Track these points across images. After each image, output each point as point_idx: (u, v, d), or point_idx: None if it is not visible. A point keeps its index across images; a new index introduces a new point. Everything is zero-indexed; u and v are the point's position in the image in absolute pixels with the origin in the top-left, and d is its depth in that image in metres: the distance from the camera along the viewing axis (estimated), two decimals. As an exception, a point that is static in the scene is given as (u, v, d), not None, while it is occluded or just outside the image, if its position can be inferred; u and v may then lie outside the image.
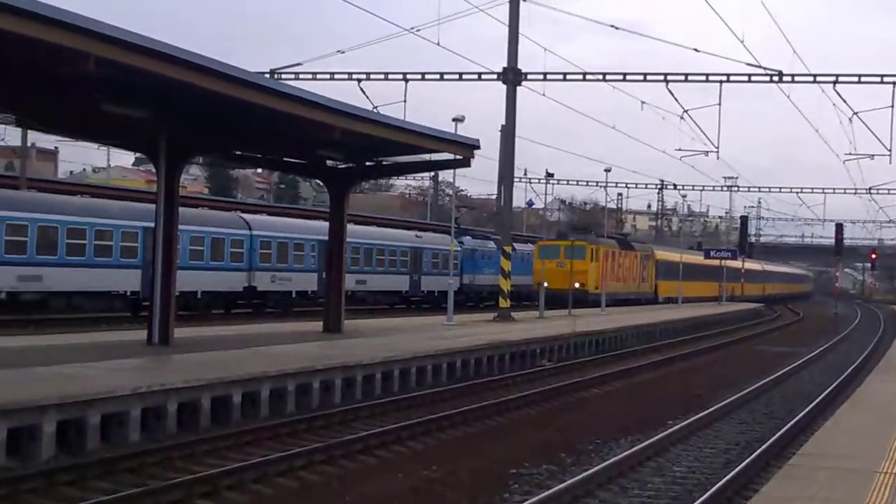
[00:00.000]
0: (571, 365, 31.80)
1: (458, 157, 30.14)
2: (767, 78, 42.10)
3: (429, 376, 25.60)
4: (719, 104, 43.80)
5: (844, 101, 43.01)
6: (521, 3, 41.75)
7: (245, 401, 19.15)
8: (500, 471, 15.63)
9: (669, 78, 42.73)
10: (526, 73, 42.37)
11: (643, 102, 48.19)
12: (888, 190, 77.07)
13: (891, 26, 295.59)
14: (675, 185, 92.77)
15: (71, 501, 12.86)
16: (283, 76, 42.37)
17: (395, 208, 73.88)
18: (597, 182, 79.70)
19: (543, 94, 44.25)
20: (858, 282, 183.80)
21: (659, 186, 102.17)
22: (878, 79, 41.89)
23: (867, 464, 13.19)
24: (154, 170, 25.15)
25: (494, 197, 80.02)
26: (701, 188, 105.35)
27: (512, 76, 41.67)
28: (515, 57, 41.79)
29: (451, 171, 39.80)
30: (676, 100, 44.50)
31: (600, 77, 44.07)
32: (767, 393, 27.22)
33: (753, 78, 42.37)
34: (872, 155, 47.29)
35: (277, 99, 21.18)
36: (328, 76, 43.46)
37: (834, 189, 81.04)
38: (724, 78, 42.62)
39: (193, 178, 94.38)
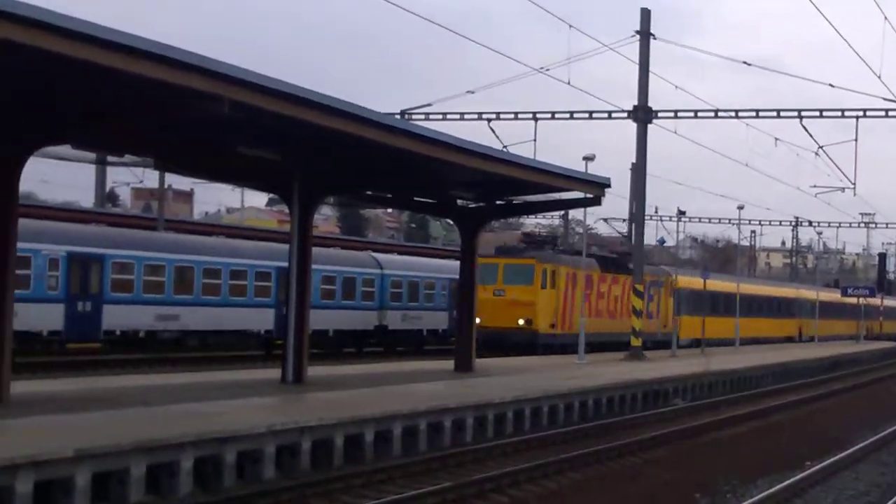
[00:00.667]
0: (705, 404, 31.35)
1: (588, 195, 30.00)
2: (906, 112, 41.20)
3: (560, 415, 25.46)
4: (856, 140, 42.98)
5: None
6: (652, 41, 41.59)
7: (378, 439, 19.24)
8: (635, 511, 15.44)
9: (804, 114, 42.06)
10: (657, 111, 42.13)
11: (777, 139, 47.44)
12: None
13: None
14: (810, 222, 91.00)
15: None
16: (414, 117, 42.69)
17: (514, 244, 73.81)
18: (729, 219, 78.73)
19: (675, 132, 43.94)
20: None
21: (793, 223, 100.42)
22: None
23: None
24: (287, 210, 25.48)
25: (625, 235, 79.51)
26: (837, 225, 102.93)
27: (642, 114, 41.48)
28: (646, 95, 41.59)
29: (582, 209, 39.61)
30: (811, 136, 43.84)
31: (733, 114, 43.54)
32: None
33: (891, 113, 41.50)
34: None
35: (410, 140, 21.34)
36: (458, 116, 43.61)
37: (980, 223, 78.53)
38: (861, 113, 41.81)
39: (325, 217, 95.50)
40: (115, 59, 14.78)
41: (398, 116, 40.43)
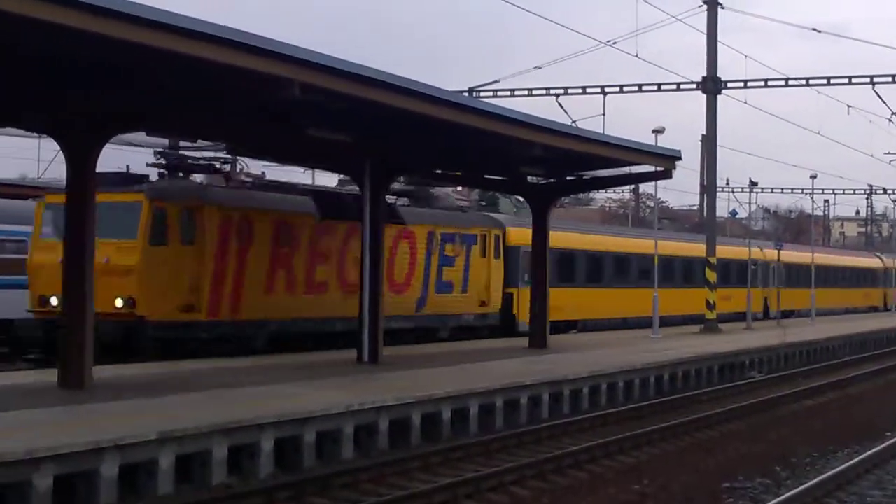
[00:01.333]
0: (781, 376, 31.16)
1: (659, 168, 29.87)
2: (980, 73, 40.55)
3: (636, 390, 25.43)
4: (930, 104, 42.41)
5: None
6: (720, 11, 41.24)
7: (454, 417, 19.34)
8: (713, 485, 15.40)
9: (876, 80, 41.52)
10: (726, 82, 41.78)
11: (849, 106, 46.96)
12: None
13: None
14: (884, 190, 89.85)
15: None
16: (482, 94, 42.68)
17: (596, 222, 73.55)
18: (802, 189, 77.97)
19: (745, 102, 43.53)
20: None
21: (867, 192, 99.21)
22: None
23: None
24: (358, 190, 25.60)
25: (696, 207, 78.95)
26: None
27: (711, 85, 41.15)
28: (715, 65, 41.26)
29: (653, 182, 39.37)
30: (884, 102, 43.28)
31: (803, 82, 43.09)
32: None
33: (964, 76, 40.85)
34: None
35: (476, 117, 21.35)
36: (526, 92, 43.53)
37: None
38: (935, 76, 41.22)
39: (394, 197, 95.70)
40: (188, 46, 14.94)
41: (466, 94, 40.44)
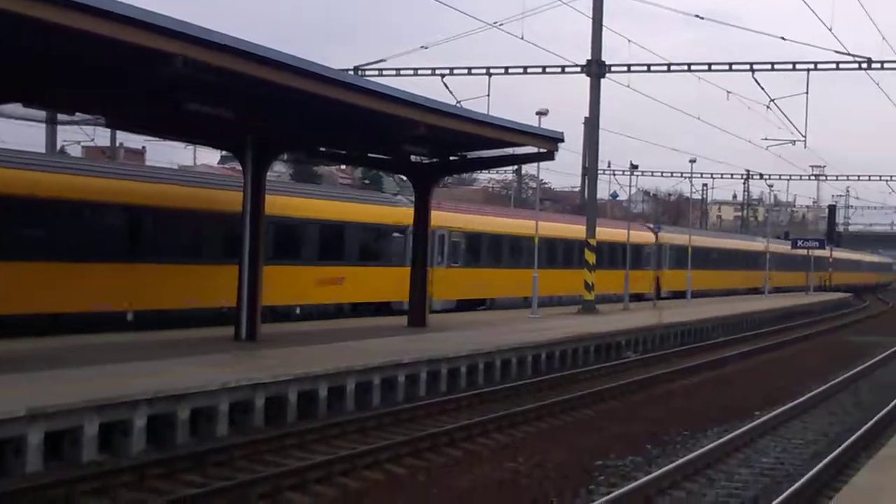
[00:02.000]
0: (657, 357, 31.68)
1: (542, 150, 30.09)
2: (856, 65, 41.48)
3: (513, 369, 25.66)
4: (807, 93, 43.30)
5: (935, 87, 42.18)
6: (605, -5, 41.59)
7: (331, 395, 19.35)
8: (586, 462, 15.63)
9: (755, 67, 42.29)
10: (610, 66, 42.22)
11: (729, 92, 47.78)
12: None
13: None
14: (761, 175, 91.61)
15: (161, 494, 13.04)
16: (367, 73, 42.58)
17: (478, 202, 73.88)
18: (681, 173, 79.05)
19: (628, 86, 44.09)
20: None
21: (745, 176, 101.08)
22: (971, 64, 41.13)
23: (958, 454, 13.02)
24: (240, 167, 25.42)
25: (578, 189, 79.77)
26: (788, 178, 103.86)
27: (596, 68, 41.55)
28: (599, 49, 41.66)
29: (535, 164, 39.72)
30: (763, 89, 44.44)
31: (685, 67, 43.67)
32: (856, 383, 26.90)
33: (842, 65, 41.74)
34: (964, 140, 46.43)
35: (363, 96, 21.33)
36: (412, 72, 43.54)
37: (926, 176, 79.39)
38: (812, 66, 42.07)
39: (277, 174, 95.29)
40: (65, 17, 14.68)
41: (351, 73, 40.31)
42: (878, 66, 41.47)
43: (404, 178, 39.76)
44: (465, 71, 43.69)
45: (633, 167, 57.82)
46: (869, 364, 30.90)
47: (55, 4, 14.47)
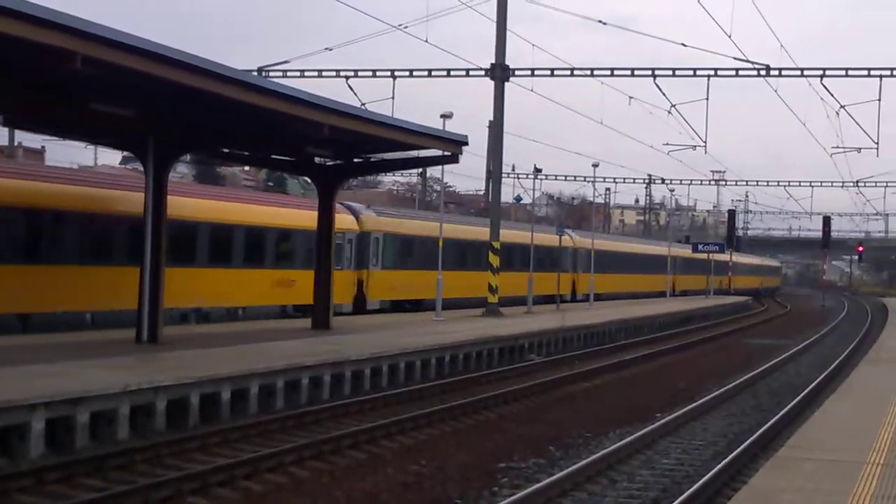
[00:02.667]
0: (560, 359, 31.88)
1: (446, 153, 30.16)
2: (755, 72, 42.10)
3: (417, 372, 25.68)
4: (707, 99, 43.79)
5: (832, 95, 42.85)
6: (509, 0, 41.80)
7: (234, 398, 19.20)
8: (489, 465, 15.70)
9: (657, 73, 42.75)
10: (514, 70, 42.38)
11: (631, 98, 48.16)
12: (875, 183, 77.09)
13: (878, 19, 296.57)
14: (662, 180, 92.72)
15: (60, 499, 12.86)
16: (272, 74, 42.34)
17: (383, 204, 73.80)
18: (584, 177, 79.78)
19: (531, 90, 44.32)
20: (846, 274, 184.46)
21: (647, 181, 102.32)
22: (865, 72, 41.94)
23: (854, 455, 13.26)
24: (142, 168, 25.13)
25: (483, 193, 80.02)
26: (689, 182, 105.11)
27: (500, 72, 41.70)
28: (503, 53, 41.80)
29: (440, 167, 39.77)
30: (664, 94, 44.50)
31: (588, 72, 44.03)
32: (755, 385, 27.33)
33: (741, 72, 42.31)
34: (859, 148, 47.39)
35: (264, 96, 21.21)
36: (316, 73, 43.43)
37: (821, 182, 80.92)
38: (712, 72, 42.60)
39: (180, 175, 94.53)
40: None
41: (256, 73, 40.06)
42: (777, 73, 42.15)
43: (308, 179, 39.57)
44: (370, 73, 43.69)
45: (537, 171, 58.14)
46: (767, 366, 31.41)
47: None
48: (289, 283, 35.12)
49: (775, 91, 44.69)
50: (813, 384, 26.32)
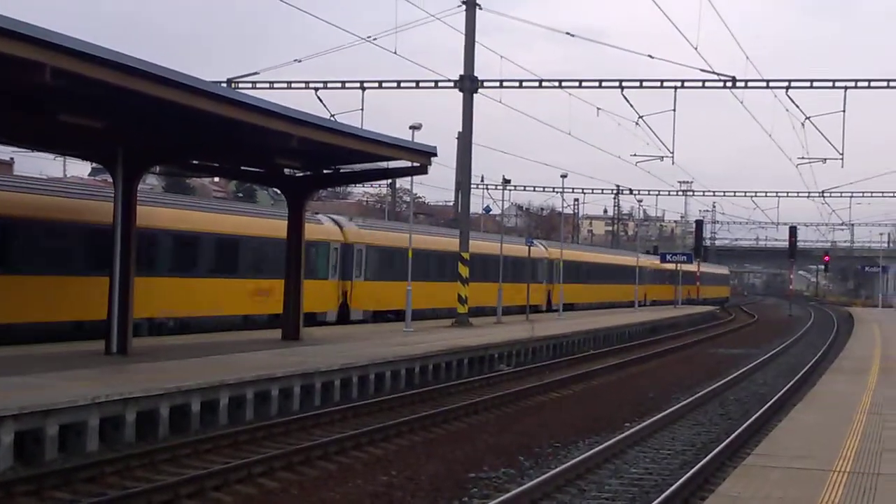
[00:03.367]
0: (529, 369, 31.97)
1: (415, 164, 30.19)
2: (721, 84, 42.34)
3: (387, 382, 25.71)
4: (674, 110, 43.89)
5: (797, 106, 43.15)
6: (478, 12, 41.96)
7: (204, 409, 19.20)
8: (459, 475, 15.75)
9: (625, 84, 42.93)
10: (482, 81, 42.52)
11: (599, 109, 48.40)
12: (840, 193, 77.75)
13: (842, 31, 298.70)
14: (630, 191, 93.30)
15: (30, 511, 12.85)
16: (241, 85, 42.31)
17: (354, 215, 73.78)
18: (553, 188, 79.97)
19: (500, 102, 44.71)
20: (812, 284, 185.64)
21: (615, 192, 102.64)
22: (830, 84, 42.30)
23: (820, 463, 13.41)
24: (111, 179, 25.08)
25: (452, 204, 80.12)
26: (657, 193, 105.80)
27: (468, 84, 41.84)
28: (472, 65, 41.95)
29: (409, 178, 39.89)
30: (632, 106, 44.72)
31: (556, 84, 44.22)
32: (722, 395, 27.47)
33: (707, 84, 42.55)
34: (825, 159, 47.59)
35: (234, 108, 21.21)
36: (285, 85, 43.43)
37: (787, 193, 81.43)
38: (679, 84, 42.80)
39: (150, 187, 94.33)
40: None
41: (225, 85, 40.04)
42: (742, 84, 42.43)
43: (278, 191, 39.57)
44: (339, 85, 43.71)
45: (506, 182, 58.23)
46: (734, 375, 31.59)
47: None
48: (266, 292, 35.03)
49: (741, 102, 45.11)
50: (780, 393, 26.50)
